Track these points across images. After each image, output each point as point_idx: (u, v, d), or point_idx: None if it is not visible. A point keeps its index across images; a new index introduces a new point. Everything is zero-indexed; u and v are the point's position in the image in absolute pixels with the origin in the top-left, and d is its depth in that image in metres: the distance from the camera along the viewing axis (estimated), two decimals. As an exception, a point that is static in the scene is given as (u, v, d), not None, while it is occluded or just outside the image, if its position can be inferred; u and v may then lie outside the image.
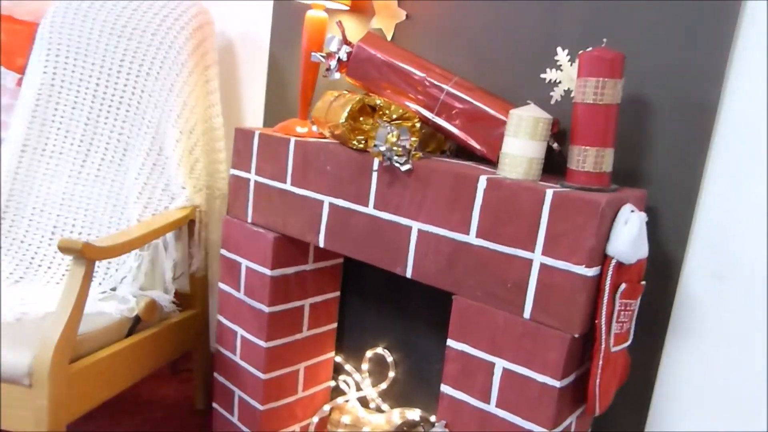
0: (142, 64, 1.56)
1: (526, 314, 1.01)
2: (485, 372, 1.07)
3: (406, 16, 1.41)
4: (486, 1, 1.28)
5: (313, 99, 1.53)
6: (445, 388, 1.13)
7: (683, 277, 1.11)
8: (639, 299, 1.05)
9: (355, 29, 1.51)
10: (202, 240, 1.59)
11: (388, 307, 1.52)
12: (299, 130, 1.44)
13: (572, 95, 1.19)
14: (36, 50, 1.61)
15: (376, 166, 1.18)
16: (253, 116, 1.78)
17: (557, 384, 0.99)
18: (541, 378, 1.00)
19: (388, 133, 1.13)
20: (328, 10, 1.46)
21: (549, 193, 0.97)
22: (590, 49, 1.05)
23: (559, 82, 1.21)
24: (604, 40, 1.08)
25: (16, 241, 1.52)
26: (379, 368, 1.55)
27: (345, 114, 1.18)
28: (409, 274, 1.16)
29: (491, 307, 1.05)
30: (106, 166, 1.56)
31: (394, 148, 1.13)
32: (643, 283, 1.05)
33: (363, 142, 1.20)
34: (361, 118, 1.21)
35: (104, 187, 1.55)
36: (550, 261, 0.98)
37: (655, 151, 1.11)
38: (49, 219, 1.54)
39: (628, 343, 1.07)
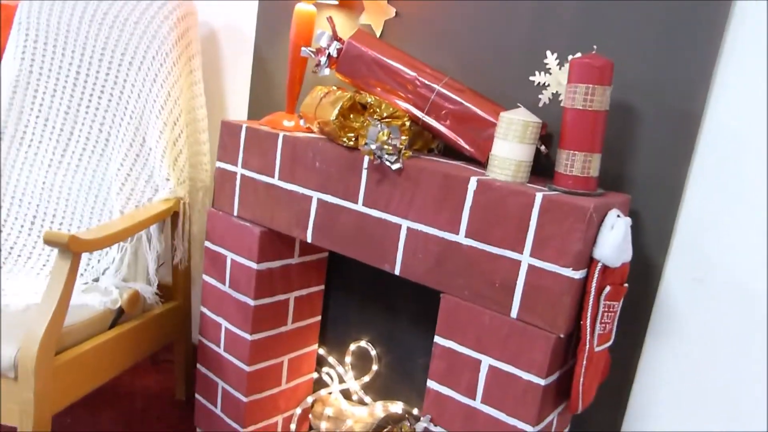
0: (124, 54, 1.53)
1: (513, 314, 1.04)
2: (471, 369, 1.09)
3: (396, 13, 1.42)
4: (477, 3, 1.29)
5: (301, 93, 1.53)
6: (431, 384, 1.15)
7: (664, 279, 1.15)
8: (621, 301, 1.09)
9: (344, 25, 1.51)
10: (186, 232, 1.58)
11: (372, 302, 1.54)
12: (286, 123, 1.44)
13: (560, 98, 1.22)
14: (13, 35, 1.57)
15: (366, 164, 1.19)
16: (237, 108, 1.77)
17: (542, 382, 1.02)
18: (526, 376, 1.03)
19: (379, 132, 1.14)
20: (317, 5, 1.45)
21: (539, 197, 1.00)
22: (580, 55, 1.07)
23: (548, 85, 1.23)
24: (594, 47, 1.10)
25: (-6, 230, 1.50)
26: (361, 362, 1.57)
27: (336, 111, 1.18)
28: (397, 271, 1.17)
29: (479, 306, 1.07)
30: (87, 156, 1.53)
31: (385, 146, 1.14)
32: (626, 285, 1.08)
33: (353, 139, 1.21)
34: (351, 116, 1.21)
35: (85, 178, 1.53)
36: (538, 263, 1.00)
37: (639, 157, 1.14)
38: (29, 208, 1.52)
39: (610, 343, 1.10)
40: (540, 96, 1.24)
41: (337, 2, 1.46)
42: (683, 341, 1.14)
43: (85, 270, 1.49)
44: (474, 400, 1.09)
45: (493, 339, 1.06)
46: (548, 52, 1.22)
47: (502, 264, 1.04)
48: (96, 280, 1.48)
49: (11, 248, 1.50)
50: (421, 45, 1.39)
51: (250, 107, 1.72)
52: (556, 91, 1.22)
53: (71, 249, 1.11)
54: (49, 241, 1.10)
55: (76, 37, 1.54)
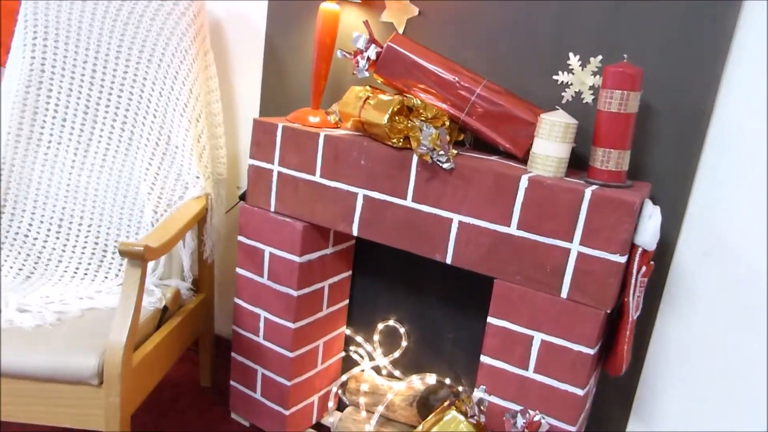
0: (142, 50, 1.52)
1: (564, 294, 1.18)
2: (524, 344, 1.24)
3: (419, 12, 1.49)
4: (501, 3, 1.39)
5: (325, 90, 1.58)
6: (484, 359, 1.29)
7: (676, 254, 1.33)
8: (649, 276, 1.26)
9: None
10: (213, 227, 1.61)
11: (398, 284, 1.64)
12: (312, 119, 1.50)
13: (582, 97, 1.35)
14: (19, 33, 1.51)
15: (415, 163, 1.28)
16: (247, 101, 1.79)
17: (591, 351, 1.18)
18: (577, 347, 1.18)
19: (431, 135, 1.23)
20: (339, 3, 1.50)
21: (587, 193, 1.13)
22: (601, 59, 1.20)
23: (571, 84, 1.36)
24: (625, 56, 1.23)
25: (19, 235, 1.47)
26: (389, 339, 1.69)
27: (387, 115, 1.26)
28: (449, 261, 1.29)
29: (531, 289, 1.21)
30: (111, 156, 1.53)
31: (436, 148, 1.24)
32: (652, 263, 1.25)
33: (401, 140, 1.29)
34: (396, 118, 1.30)
35: (111, 178, 1.53)
36: (587, 250, 1.15)
37: (655, 148, 1.29)
38: (54, 212, 1.50)
39: (639, 312, 1.28)
40: (563, 94, 1.37)
41: (359, 0, 1.51)
42: (693, 309, 1.34)
43: (119, 272, 1.51)
44: (527, 370, 1.24)
45: (545, 317, 1.21)
46: (571, 54, 1.34)
47: (552, 252, 1.18)
48: (132, 279, 1.50)
49: (40, 253, 1.48)
50: (445, 43, 1.48)
51: (263, 101, 1.75)
52: (579, 90, 1.35)
53: (146, 258, 1.15)
54: (125, 252, 1.13)
55: (89, 34, 1.51)
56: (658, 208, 1.16)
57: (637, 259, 1.15)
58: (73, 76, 1.52)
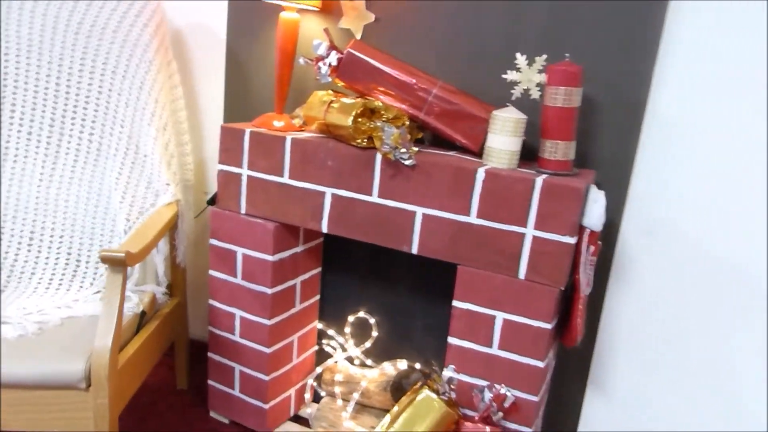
0: (106, 62, 1.56)
1: (521, 275, 1.29)
2: (487, 324, 1.34)
3: (375, 18, 1.57)
4: (453, 7, 1.48)
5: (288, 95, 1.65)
6: (452, 340, 1.38)
7: (621, 234, 1.45)
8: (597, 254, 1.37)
9: (323, 28, 1.63)
10: (184, 232, 1.66)
11: (367, 277, 1.73)
12: (276, 124, 1.56)
13: (530, 94, 1.46)
14: (-19, 49, 1.53)
15: (379, 162, 1.36)
16: (211, 107, 1.84)
17: (548, 326, 1.28)
18: (536, 323, 1.29)
19: (393, 134, 1.32)
20: (298, 11, 1.57)
21: (539, 182, 1.24)
22: (557, 63, 1.31)
23: (519, 82, 1.46)
24: (567, 55, 1.34)
25: (-9, 249, 1.49)
26: (360, 330, 1.77)
27: (351, 118, 1.34)
28: (415, 251, 1.37)
29: (491, 273, 1.31)
30: (80, 167, 1.56)
31: (399, 146, 1.32)
32: (600, 242, 1.37)
33: (365, 140, 1.37)
34: (360, 119, 1.37)
35: (81, 189, 1.56)
36: (540, 234, 1.25)
37: (598, 138, 1.41)
38: (24, 225, 1.52)
39: (590, 288, 1.39)
40: (512, 91, 1.47)
41: (317, 8, 1.58)
42: (638, 283, 1.46)
43: (93, 280, 1.54)
44: (491, 348, 1.34)
45: (505, 297, 1.31)
46: (518, 54, 1.45)
47: (509, 237, 1.28)
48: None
49: (12, 266, 1.50)
50: (401, 47, 1.56)
51: (226, 107, 1.80)
52: (527, 87, 1.45)
53: (128, 264, 1.20)
54: (107, 259, 1.18)
55: (50, 47, 1.54)
56: (602, 193, 1.28)
57: (585, 239, 1.27)
58: (36, 89, 1.54)
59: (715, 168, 1.35)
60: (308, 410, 1.77)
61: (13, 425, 1.18)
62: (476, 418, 1.37)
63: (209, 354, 1.68)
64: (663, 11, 1.31)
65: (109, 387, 1.19)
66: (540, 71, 1.43)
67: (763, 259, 1.35)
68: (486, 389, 1.36)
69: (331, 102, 1.41)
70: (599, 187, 1.42)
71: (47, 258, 1.52)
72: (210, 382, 1.71)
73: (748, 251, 1.36)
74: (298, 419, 1.78)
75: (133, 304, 1.45)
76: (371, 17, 1.57)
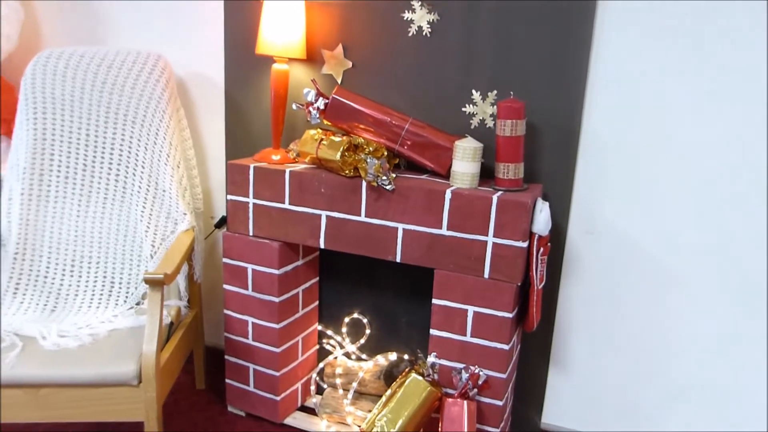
0: (127, 114, 1.83)
1: (486, 275, 1.58)
2: (461, 316, 1.63)
3: (353, 64, 1.86)
4: (417, 55, 1.78)
5: (283, 132, 1.93)
6: (433, 332, 1.67)
7: (568, 235, 1.75)
8: (548, 254, 1.67)
9: (309, 75, 1.92)
10: (199, 253, 1.93)
11: (358, 283, 2.01)
12: (274, 158, 1.84)
13: (486, 123, 1.76)
14: (21, 108, 1.79)
15: (365, 188, 1.65)
16: (214, 145, 2.11)
17: (510, 315, 1.57)
18: (500, 314, 1.58)
19: (374, 165, 1.61)
20: (287, 62, 1.85)
21: (495, 198, 1.53)
22: (505, 99, 1.60)
23: (475, 114, 1.76)
24: (511, 92, 1.64)
25: (40, 276, 1.75)
26: (355, 329, 2.05)
27: (339, 153, 1.63)
28: (398, 259, 1.66)
29: (462, 274, 1.60)
30: (109, 205, 1.83)
31: (380, 175, 1.61)
32: (549, 244, 1.67)
33: (352, 170, 1.66)
34: (346, 153, 1.66)
35: (112, 222, 1.82)
36: (499, 240, 1.55)
37: (544, 157, 1.71)
38: (66, 255, 1.79)
39: (543, 283, 1.69)
40: (471, 122, 1.77)
41: (304, 57, 1.87)
42: (585, 275, 1.77)
43: (126, 298, 1.81)
44: (466, 336, 1.63)
45: (475, 294, 1.60)
46: (473, 90, 1.74)
47: (474, 245, 1.57)
48: (138, 304, 1.81)
49: (58, 290, 1.76)
50: (376, 88, 1.85)
51: (227, 144, 2.08)
52: (482, 118, 1.75)
53: (165, 283, 1.47)
54: (149, 280, 1.45)
55: (80, 104, 1.80)
56: (547, 204, 1.58)
57: (535, 243, 1.56)
58: (70, 141, 1.81)
59: (640, 176, 1.66)
60: (314, 400, 2.05)
61: (80, 417, 1.45)
62: (456, 394, 1.66)
63: (226, 357, 1.95)
64: (587, 53, 1.61)
65: (156, 382, 1.46)
66: (492, 104, 1.73)
67: (681, 249, 1.65)
68: (463, 371, 1.64)
69: (322, 140, 1.69)
70: (546, 198, 1.72)
71: (87, 281, 1.79)
72: (227, 380, 1.98)
73: (669, 243, 1.66)
74: (304, 409, 2.06)
75: (164, 317, 1.71)
76: (349, 64, 1.86)
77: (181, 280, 1.84)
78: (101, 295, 1.78)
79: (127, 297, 1.81)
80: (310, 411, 2.04)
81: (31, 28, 2.27)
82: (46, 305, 1.72)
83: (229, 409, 2.03)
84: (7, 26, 2.02)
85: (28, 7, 2.24)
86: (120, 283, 1.81)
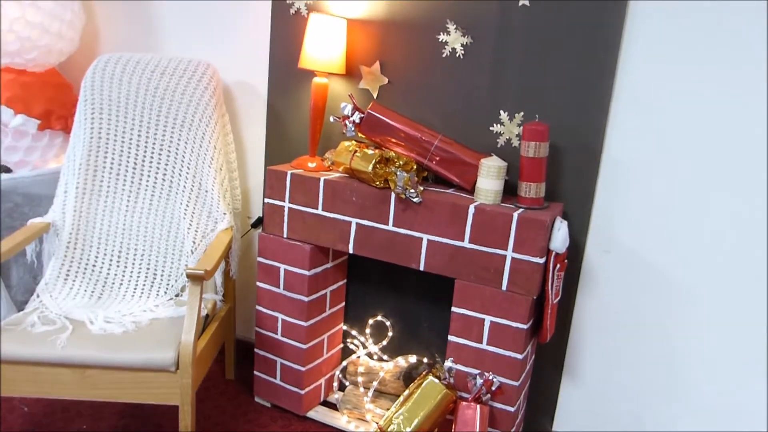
0: (176, 118, 1.96)
1: (504, 287, 1.67)
2: (479, 325, 1.72)
3: (389, 81, 1.96)
4: (450, 75, 1.87)
5: (320, 141, 2.04)
6: (451, 338, 1.76)
7: (586, 253, 1.83)
8: (564, 270, 1.75)
9: (347, 89, 2.03)
10: (236, 251, 2.06)
11: (383, 288, 2.11)
12: (310, 165, 1.96)
13: (512, 143, 1.84)
14: (80, 108, 1.95)
15: (393, 199, 1.75)
16: (254, 150, 2.24)
17: (524, 326, 1.66)
18: (515, 324, 1.67)
19: (404, 178, 1.71)
20: (327, 76, 1.96)
21: (515, 216, 1.62)
22: (523, 115, 1.69)
23: (502, 133, 1.85)
24: (537, 116, 1.73)
25: (89, 265, 1.90)
26: (378, 331, 2.15)
27: (371, 165, 1.73)
28: (422, 268, 1.76)
29: (481, 285, 1.69)
30: (156, 201, 1.97)
31: (408, 188, 1.71)
32: (566, 261, 1.74)
33: (382, 182, 1.76)
34: (378, 166, 1.76)
35: (157, 218, 1.96)
36: (517, 255, 1.63)
37: (566, 177, 1.79)
38: (113, 246, 1.93)
39: (559, 297, 1.77)
40: (498, 141, 1.86)
41: (343, 72, 1.98)
42: (601, 292, 1.84)
43: (167, 289, 1.94)
44: (482, 344, 1.72)
45: (492, 304, 1.69)
46: (501, 111, 1.83)
47: (494, 258, 1.66)
48: (177, 295, 1.94)
49: (105, 279, 1.91)
50: (409, 104, 1.95)
51: (267, 149, 2.20)
52: (509, 137, 1.84)
53: (206, 278, 1.59)
54: (191, 275, 1.58)
55: (134, 107, 1.95)
56: (565, 223, 1.66)
57: (552, 259, 1.65)
58: (123, 140, 1.95)
59: (659, 197, 1.73)
60: (336, 396, 2.16)
61: (121, 398, 1.58)
62: (470, 399, 1.75)
63: (255, 350, 2.08)
64: (612, 78, 1.68)
65: (192, 370, 1.58)
66: (519, 125, 1.82)
67: (697, 270, 1.72)
68: (478, 376, 1.73)
69: (356, 152, 1.80)
70: (566, 216, 1.80)
71: (131, 272, 1.93)
72: (256, 372, 2.10)
73: (685, 264, 1.73)
74: (326, 404, 2.17)
75: (201, 309, 1.84)
76: (385, 80, 1.97)
77: (218, 276, 1.97)
78: (144, 285, 1.92)
79: (167, 288, 1.94)
80: (332, 406, 2.15)
81: (91, 31, 2.44)
82: (93, 292, 1.87)
83: (256, 399, 2.16)
84: (71, 30, 2.18)
85: (89, 12, 2.40)
86: (162, 275, 1.95)
